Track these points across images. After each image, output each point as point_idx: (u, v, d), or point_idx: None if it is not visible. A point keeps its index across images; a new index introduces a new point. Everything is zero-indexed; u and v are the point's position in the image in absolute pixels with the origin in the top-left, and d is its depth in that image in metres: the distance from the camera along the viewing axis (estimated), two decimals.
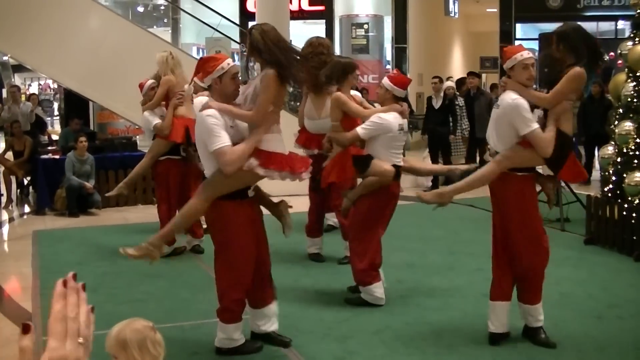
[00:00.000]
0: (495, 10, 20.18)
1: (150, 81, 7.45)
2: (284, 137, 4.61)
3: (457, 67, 23.38)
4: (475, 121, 11.83)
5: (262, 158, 4.35)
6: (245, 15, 19.28)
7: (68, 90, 11.82)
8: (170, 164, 7.20)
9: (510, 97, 4.58)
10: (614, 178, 7.45)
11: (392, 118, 5.39)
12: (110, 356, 2.46)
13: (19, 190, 11.11)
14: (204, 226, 8.84)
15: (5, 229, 9.30)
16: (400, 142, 5.49)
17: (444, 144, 11.54)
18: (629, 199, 7.14)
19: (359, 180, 5.75)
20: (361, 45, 18.42)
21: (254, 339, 4.75)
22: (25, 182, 11.09)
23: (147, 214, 9.17)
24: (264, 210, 4.77)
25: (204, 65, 4.44)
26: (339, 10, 19.29)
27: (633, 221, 7.00)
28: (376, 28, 18.81)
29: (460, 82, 12.86)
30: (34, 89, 28.74)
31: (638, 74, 7.41)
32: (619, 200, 7.25)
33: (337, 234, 7.25)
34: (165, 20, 22.91)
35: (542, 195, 5.13)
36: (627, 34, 15.51)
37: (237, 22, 17.40)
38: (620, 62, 8.87)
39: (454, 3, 20.05)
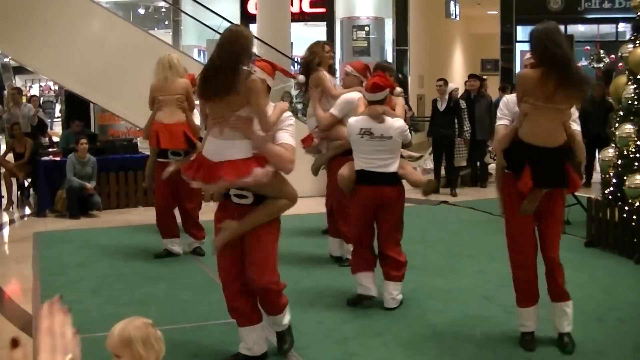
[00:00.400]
0: (496, 12, 20.19)
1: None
2: None
3: (457, 70, 23.40)
4: (476, 123, 11.84)
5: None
6: (246, 17, 19.29)
7: (69, 92, 11.83)
8: (161, 167, 7.19)
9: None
10: (614, 180, 7.45)
11: (353, 120, 5.50)
12: (113, 356, 2.46)
13: (19, 192, 11.11)
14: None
15: (6, 230, 9.30)
16: (366, 146, 5.39)
17: (448, 146, 11.54)
18: (630, 201, 7.14)
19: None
20: (362, 48, 18.45)
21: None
22: (26, 184, 11.10)
23: (148, 215, 9.16)
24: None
25: None
26: (339, 12, 19.32)
27: (633, 224, 7.00)
28: (377, 30, 18.84)
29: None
30: (34, 90, 28.73)
31: (639, 77, 7.41)
32: (620, 203, 7.25)
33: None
34: (167, 22, 22.90)
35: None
36: (627, 36, 15.54)
37: (238, 24, 17.41)
38: (621, 64, 8.86)
39: (454, 5, 20.07)
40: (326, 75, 6.81)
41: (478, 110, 11.88)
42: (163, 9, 23.09)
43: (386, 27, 19.21)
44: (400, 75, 16.69)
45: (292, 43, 13.98)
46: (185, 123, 7.05)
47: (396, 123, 5.42)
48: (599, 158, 9.25)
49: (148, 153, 7.91)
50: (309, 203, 8.76)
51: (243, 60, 4.20)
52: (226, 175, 4.10)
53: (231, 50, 4.18)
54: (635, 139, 7.27)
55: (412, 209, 9.05)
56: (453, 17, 20.25)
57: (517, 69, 18.47)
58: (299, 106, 13.09)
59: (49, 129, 15.26)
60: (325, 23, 19.59)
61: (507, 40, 19.65)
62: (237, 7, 19.99)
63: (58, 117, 23.07)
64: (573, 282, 6.20)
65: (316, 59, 6.83)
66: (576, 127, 4.54)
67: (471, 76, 12.80)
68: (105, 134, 12.22)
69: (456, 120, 11.47)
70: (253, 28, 12.52)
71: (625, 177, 7.24)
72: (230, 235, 4.28)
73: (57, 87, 23.87)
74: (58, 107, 23.85)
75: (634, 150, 7.27)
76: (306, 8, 19.76)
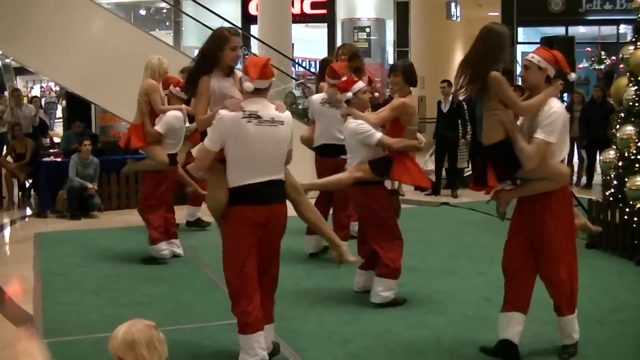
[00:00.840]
0: (497, 14, 20.17)
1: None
2: None
3: None
4: (476, 125, 11.82)
5: None
6: (247, 18, 19.32)
7: (70, 93, 11.84)
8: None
9: None
10: (615, 182, 7.45)
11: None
12: (115, 358, 2.46)
13: (20, 193, 11.13)
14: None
15: (7, 231, 9.30)
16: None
17: (451, 148, 11.53)
18: (630, 203, 7.14)
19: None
20: (363, 49, 18.41)
21: None
22: (27, 184, 11.10)
23: None
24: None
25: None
26: (341, 13, 19.31)
27: (634, 225, 7.00)
28: (378, 31, 18.83)
29: None
30: (35, 91, 28.77)
31: (639, 78, 7.42)
32: (621, 205, 7.25)
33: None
34: (167, 24, 22.93)
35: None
36: (628, 38, 15.55)
37: (239, 26, 17.45)
38: (622, 66, 8.87)
39: (455, 7, 20.05)
40: None
41: (478, 112, 11.86)
42: (164, 10, 23.11)
43: (387, 28, 19.20)
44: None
45: (293, 44, 14.00)
46: (139, 125, 7.09)
47: (350, 125, 5.54)
48: (599, 160, 9.24)
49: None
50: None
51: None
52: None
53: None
54: (636, 140, 7.27)
55: (413, 210, 9.06)
56: (454, 18, 20.23)
57: (518, 70, 18.47)
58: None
59: (50, 130, 15.26)
60: (326, 24, 19.59)
61: None
62: (238, 8, 20.00)
63: (59, 118, 23.07)
64: None
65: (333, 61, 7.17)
66: (538, 134, 4.24)
67: None
68: (106, 135, 12.20)
69: (460, 122, 11.47)
70: (254, 29, 12.52)
71: (626, 179, 7.24)
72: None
73: (58, 88, 23.88)
74: (60, 108, 23.85)
75: (634, 151, 7.27)
76: (307, 9, 19.76)
